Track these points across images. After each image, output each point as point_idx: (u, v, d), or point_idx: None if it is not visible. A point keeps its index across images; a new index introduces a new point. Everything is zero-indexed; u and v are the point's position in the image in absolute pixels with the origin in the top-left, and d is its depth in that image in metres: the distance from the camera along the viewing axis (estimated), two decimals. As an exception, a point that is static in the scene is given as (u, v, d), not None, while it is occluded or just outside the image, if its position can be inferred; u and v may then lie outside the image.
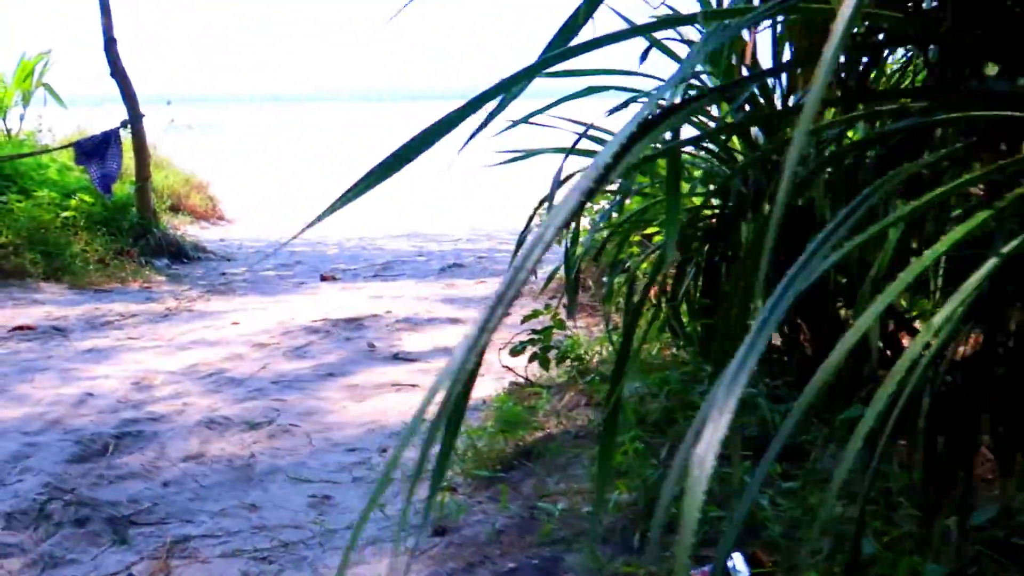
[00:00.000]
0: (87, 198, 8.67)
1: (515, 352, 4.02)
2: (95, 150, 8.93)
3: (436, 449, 3.42)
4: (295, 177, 21.15)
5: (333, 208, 1.36)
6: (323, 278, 8.22)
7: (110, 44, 9.05)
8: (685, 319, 3.86)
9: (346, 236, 11.58)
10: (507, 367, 4.22)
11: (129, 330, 6.09)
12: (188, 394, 4.46)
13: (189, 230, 11.10)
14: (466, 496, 3.07)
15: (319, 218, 1.35)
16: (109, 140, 8.99)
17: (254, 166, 24.26)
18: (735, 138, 3.71)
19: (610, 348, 4.16)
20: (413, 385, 4.55)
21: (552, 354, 4.05)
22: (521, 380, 4.19)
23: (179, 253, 9.37)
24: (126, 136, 9.32)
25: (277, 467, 3.50)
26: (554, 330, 4.07)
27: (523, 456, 3.21)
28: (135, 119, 9.16)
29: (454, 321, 5.98)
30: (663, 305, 3.83)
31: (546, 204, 7.15)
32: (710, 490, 1.00)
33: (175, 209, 12.23)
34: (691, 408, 3.12)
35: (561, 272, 7.33)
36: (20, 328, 6.05)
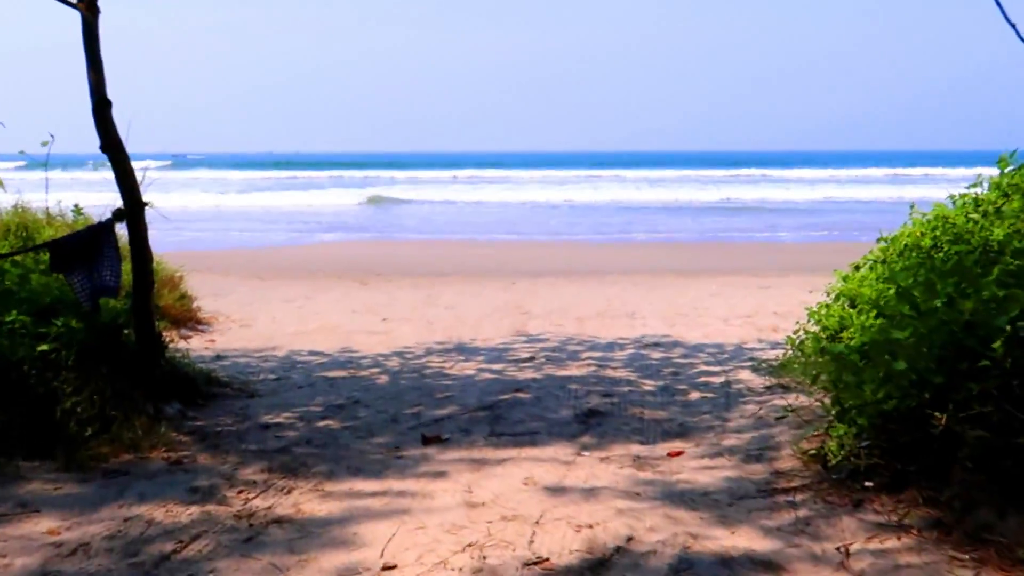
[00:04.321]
0: (73, 321, 6.11)
1: None
2: (80, 252, 6.40)
3: None
4: (265, 260, 18.43)
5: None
6: (425, 440, 5.79)
7: (102, 107, 6.56)
8: None
9: (375, 350, 9.15)
10: None
11: (216, 585, 3.61)
12: None
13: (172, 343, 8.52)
14: None
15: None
16: (100, 238, 6.48)
17: (217, 246, 21.44)
18: None
19: None
20: None
21: None
22: None
23: (192, 390, 6.84)
24: (121, 231, 6.82)
25: None
26: None
27: None
28: (135, 208, 6.65)
29: (772, 569, 3.65)
30: None
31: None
32: None
33: (147, 312, 9.60)
34: None
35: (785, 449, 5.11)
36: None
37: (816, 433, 5.16)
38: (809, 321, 8.10)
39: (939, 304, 4.84)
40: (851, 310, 7.59)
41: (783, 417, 5.80)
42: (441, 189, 47.55)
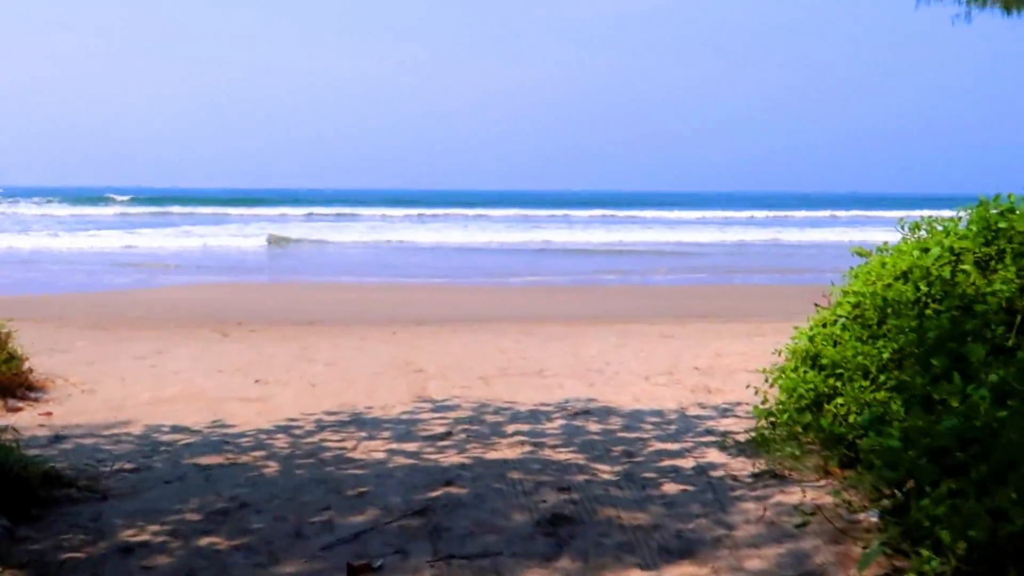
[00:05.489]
0: None
1: None
2: None
3: None
4: (109, 306, 16.30)
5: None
6: (352, 571, 4.35)
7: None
8: None
9: (254, 424, 7.63)
10: None
11: None
12: None
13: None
14: None
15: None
16: None
17: (52, 289, 18.99)
18: None
19: None
20: None
21: None
22: None
23: (24, 495, 5.19)
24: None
25: None
26: None
27: None
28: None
29: None
30: None
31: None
32: None
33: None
34: None
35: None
36: None
37: (876, 555, 3.97)
38: (770, 384, 7.05)
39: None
40: (831, 378, 6.54)
41: (804, 524, 4.62)
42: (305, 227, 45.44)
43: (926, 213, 8.05)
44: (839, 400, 6.12)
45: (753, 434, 6.54)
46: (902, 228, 10.16)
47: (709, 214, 66.36)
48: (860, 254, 10.47)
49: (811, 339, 7.09)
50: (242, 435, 7.26)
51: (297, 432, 7.33)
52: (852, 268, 10.39)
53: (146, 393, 9.01)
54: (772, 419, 6.51)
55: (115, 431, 7.44)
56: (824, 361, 6.71)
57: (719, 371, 10.06)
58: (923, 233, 9.74)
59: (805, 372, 6.84)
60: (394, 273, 25.15)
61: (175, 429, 7.48)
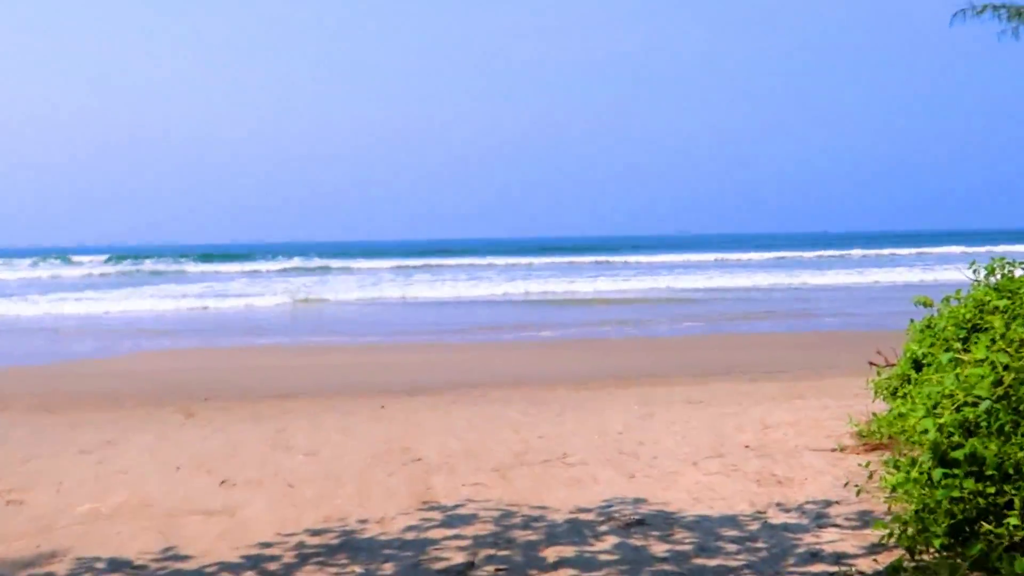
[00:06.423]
0: None
1: None
2: None
3: None
4: (60, 381, 14.45)
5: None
6: None
7: None
8: None
9: (216, 554, 5.95)
10: None
11: None
12: None
13: None
14: None
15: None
16: None
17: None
18: None
19: None
20: None
21: None
22: None
23: None
24: None
25: None
26: None
27: None
28: None
29: None
30: None
31: None
32: None
33: None
34: None
35: None
36: None
37: None
38: (889, 490, 5.44)
39: None
40: (980, 482, 4.93)
41: None
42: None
43: (952, 250, 6.55)
44: (1011, 521, 4.50)
45: (883, 560, 4.90)
46: (975, 272, 8.87)
47: (695, 258, 65.26)
48: (925, 304, 8.94)
49: (940, 428, 5.47)
50: (199, 573, 5.54)
51: (272, 567, 5.63)
52: (914, 321, 8.85)
53: (85, 504, 7.31)
54: (918, 545, 4.85)
55: (35, 571, 5.72)
56: (957, 455, 5.11)
57: (776, 451, 8.45)
58: (997, 277, 8.50)
59: (930, 470, 5.23)
60: (376, 331, 23.41)
61: (112, 565, 5.77)
